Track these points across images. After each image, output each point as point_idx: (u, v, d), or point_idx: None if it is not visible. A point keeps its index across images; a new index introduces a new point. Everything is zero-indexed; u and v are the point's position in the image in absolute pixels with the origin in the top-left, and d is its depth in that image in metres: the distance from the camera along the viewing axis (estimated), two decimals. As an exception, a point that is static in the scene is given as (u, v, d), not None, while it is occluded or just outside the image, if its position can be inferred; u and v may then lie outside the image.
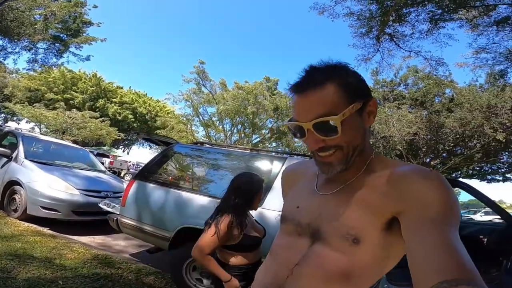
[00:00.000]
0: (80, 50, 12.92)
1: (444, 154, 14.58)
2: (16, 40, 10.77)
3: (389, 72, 15.03)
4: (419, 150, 14.08)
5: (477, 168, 15.98)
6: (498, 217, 3.21)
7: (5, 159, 4.81)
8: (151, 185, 3.15)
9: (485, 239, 3.13)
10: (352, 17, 7.00)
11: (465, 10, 5.57)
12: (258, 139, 21.84)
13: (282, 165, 2.79)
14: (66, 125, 17.79)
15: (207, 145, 3.78)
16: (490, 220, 6.92)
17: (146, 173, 3.30)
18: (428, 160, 14.53)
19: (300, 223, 0.70)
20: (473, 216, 15.45)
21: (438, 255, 0.46)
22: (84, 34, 12.64)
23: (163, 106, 31.68)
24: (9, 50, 11.46)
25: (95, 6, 12.74)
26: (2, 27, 9.76)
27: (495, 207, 2.97)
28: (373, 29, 7.04)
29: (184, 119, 22.04)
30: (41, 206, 4.17)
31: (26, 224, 4.02)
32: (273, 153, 3.39)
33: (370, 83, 17.60)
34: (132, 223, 3.08)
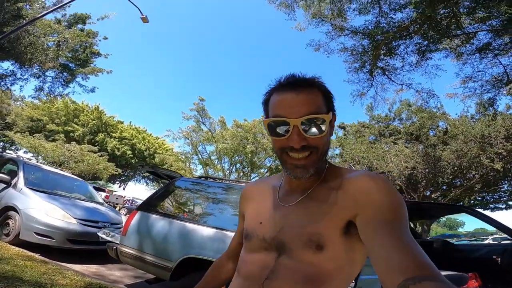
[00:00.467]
0: (87, 81, 12.69)
1: (444, 187, 14.53)
2: (27, 66, 10.63)
3: (384, 107, 15.57)
4: (419, 184, 14.02)
5: (479, 198, 15.81)
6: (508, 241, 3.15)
7: (3, 185, 4.74)
8: (154, 216, 3.14)
9: (499, 259, 3.02)
10: (346, 53, 7.46)
11: (448, 40, 6.00)
12: (257, 177, 21.70)
13: None
14: (64, 158, 17.72)
15: (210, 179, 3.84)
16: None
17: (150, 205, 3.32)
18: (428, 193, 14.41)
19: (265, 238, 0.70)
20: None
21: (398, 256, 0.49)
22: (91, 64, 12.51)
23: (162, 143, 31.98)
24: (18, 76, 11.17)
25: (105, 38, 12.74)
26: (16, 52, 9.63)
27: (505, 229, 2.92)
28: (366, 64, 7.42)
29: (183, 157, 22.11)
30: (35, 232, 4.05)
31: (17, 248, 3.85)
32: None
33: (366, 119, 18.12)
34: (133, 252, 3.02)
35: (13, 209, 4.32)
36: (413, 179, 13.90)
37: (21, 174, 4.84)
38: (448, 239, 4.55)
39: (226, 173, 20.51)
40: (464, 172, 12.81)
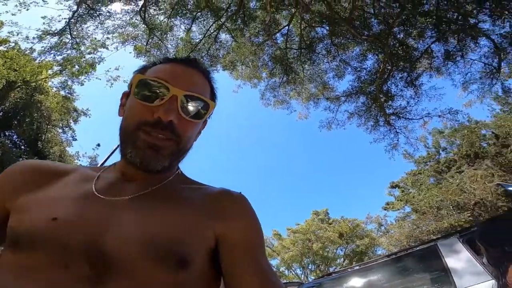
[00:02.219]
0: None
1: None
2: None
3: (420, 145, 15.19)
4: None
5: None
6: None
7: None
8: None
9: None
10: (354, 117, 8.09)
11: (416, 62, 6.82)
12: (335, 269, 19.73)
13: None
14: None
15: (333, 274, 3.51)
16: None
17: None
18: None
19: (68, 246, 0.44)
20: None
21: (260, 283, 0.50)
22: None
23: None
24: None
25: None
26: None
27: None
28: (378, 117, 7.84)
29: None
30: None
31: None
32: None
33: (411, 167, 17.09)
34: None
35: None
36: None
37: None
38: None
39: (302, 278, 18.90)
40: None
